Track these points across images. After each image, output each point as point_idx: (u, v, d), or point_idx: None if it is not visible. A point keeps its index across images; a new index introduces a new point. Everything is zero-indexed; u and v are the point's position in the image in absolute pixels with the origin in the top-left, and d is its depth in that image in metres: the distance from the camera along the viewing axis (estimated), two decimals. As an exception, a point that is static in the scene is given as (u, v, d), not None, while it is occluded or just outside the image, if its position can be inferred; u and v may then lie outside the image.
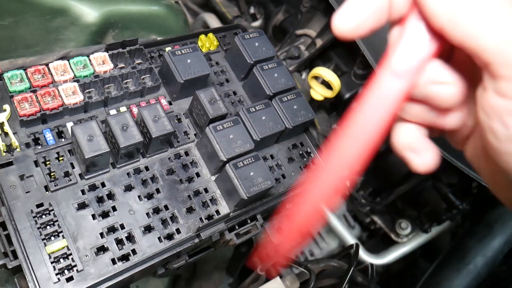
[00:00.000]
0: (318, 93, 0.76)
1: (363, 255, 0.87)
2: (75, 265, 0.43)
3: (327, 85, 0.76)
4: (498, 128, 0.25)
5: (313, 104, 0.85)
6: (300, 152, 0.59)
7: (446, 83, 0.28)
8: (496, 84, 0.25)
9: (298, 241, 0.32)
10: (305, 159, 0.59)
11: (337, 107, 0.89)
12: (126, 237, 0.46)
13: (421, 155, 0.30)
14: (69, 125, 0.49)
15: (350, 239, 0.88)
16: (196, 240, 0.49)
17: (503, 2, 0.24)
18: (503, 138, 0.25)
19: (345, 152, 0.29)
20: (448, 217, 0.79)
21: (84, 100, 0.49)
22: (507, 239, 0.83)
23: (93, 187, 0.47)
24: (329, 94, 0.75)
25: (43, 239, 0.43)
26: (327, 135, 0.88)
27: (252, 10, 1.00)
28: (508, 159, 0.26)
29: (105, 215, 0.46)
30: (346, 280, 0.57)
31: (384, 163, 0.80)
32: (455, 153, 0.62)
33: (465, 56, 0.27)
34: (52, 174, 0.46)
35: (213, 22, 1.01)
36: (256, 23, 0.99)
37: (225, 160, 0.49)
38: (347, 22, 0.27)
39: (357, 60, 0.83)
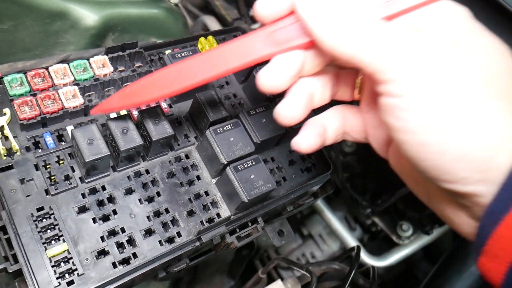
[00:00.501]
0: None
1: (365, 257, 0.87)
2: (76, 269, 0.43)
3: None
4: (393, 122, 0.30)
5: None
6: (301, 155, 0.59)
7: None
8: (383, 87, 0.30)
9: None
10: (306, 161, 0.59)
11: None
12: (126, 241, 0.46)
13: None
14: (69, 128, 0.49)
15: (352, 241, 0.88)
16: (197, 243, 0.48)
17: (374, 24, 0.30)
18: (399, 129, 0.30)
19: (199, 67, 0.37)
20: (450, 218, 0.79)
21: (84, 103, 0.49)
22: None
23: (93, 191, 0.47)
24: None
25: (43, 243, 0.43)
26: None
27: (251, 13, 1.00)
28: (408, 148, 0.30)
29: (105, 218, 0.46)
30: (348, 282, 0.57)
31: (385, 165, 0.79)
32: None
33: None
34: (52, 177, 0.46)
35: (213, 24, 1.01)
36: (256, 25, 0.99)
37: (226, 163, 0.49)
38: (269, 83, 0.34)
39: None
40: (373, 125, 0.38)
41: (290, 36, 0.33)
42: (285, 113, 0.36)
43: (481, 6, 0.69)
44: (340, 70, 0.39)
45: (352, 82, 0.39)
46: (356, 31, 0.30)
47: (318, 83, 0.37)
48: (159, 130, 0.48)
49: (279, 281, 0.67)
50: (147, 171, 0.50)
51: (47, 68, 0.49)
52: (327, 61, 0.36)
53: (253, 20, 1.00)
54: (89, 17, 0.62)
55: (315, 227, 1.01)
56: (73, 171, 0.47)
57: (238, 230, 0.53)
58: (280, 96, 0.56)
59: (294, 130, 0.55)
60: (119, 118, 0.46)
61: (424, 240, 0.90)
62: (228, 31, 0.64)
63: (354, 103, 0.41)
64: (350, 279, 0.57)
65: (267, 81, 0.34)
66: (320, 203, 0.91)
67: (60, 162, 0.47)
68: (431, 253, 1.23)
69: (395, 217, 0.85)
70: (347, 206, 0.97)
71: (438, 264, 0.81)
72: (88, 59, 0.52)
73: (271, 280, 0.71)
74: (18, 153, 0.46)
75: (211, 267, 0.78)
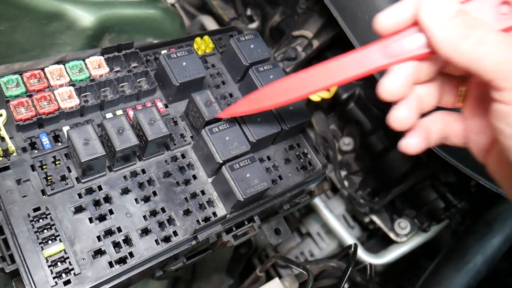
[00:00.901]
0: (316, 94, 0.76)
1: (363, 255, 0.87)
2: (73, 269, 0.43)
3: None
4: (505, 128, 0.33)
5: (311, 105, 0.85)
6: (297, 153, 0.59)
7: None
8: (499, 95, 0.32)
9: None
10: (301, 160, 0.59)
11: (335, 108, 0.90)
12: (123, 240, 0.46)
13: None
14: (66, 129, 0.49)
15: (349, 240, 0.88)
16: (193, 242, 0.49)
17: (495, 34, 0.32)
18: (511, 136, 0.32)
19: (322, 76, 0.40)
20: (447, 216, 0.79)
21: (80, 104, 0.49)
22: (506, 237, 0.83)
23: (89, 191, 0.47)
24: (326, 95, 0.76)
25: (40, 243, 0.43)
26: (325, 135, 0.88)
27: (249, 12, 1.00)
28: None
29: (102, 218, 0.46)
30: (345, 280, 0.58)
31: (382, 163, 0.80)
32: (452, 151, 0.62)
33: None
34: (48, 178, 0.46)
35: (210, 24, 1.01)
36: (253, 25, 0.99)
37: (221, 162, 0.50)
38: (390, 92, 0.37)
39: (354, 60, 0.83)
40: (475, 131, 0.40)
41: (407, 47, 0.36)
42: (400, 119, 0.38)
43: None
44: (446, 78, 0.41)
45: (455, 90, 0.41)
46: (479, 41, 0.32)
47: (428, 91, 0.39)
48: (155, 130, 0.48)
49: (276, 279, 0.67)
50: (143, 171, 0.50)
51: (43, 69, 0.50)
52: (438, 70, 0.39)
53: (250, 19, 1.01)
54: (85, 18, 0.63)
55: (313, 226, 1.01)
56: (70, 171, 0.47)
57: (234, 229, 0.53)
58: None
59: (289, 129, 0.55)
60: (115, 118, 0.47)
61: (422, 237, 0.90)
62: (224, 31, 0.65)
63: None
64: (346, 276, 0.58)
65: (388, 90, 0.37)
66: (318, 202, 0.91)
67: (57, 162, 0.47)
68: (431, 251, 1.23)
69: (392, 215, 0.85)
70: (345, 205, 0.97)
71: (436, 262, 0.81)
72: (84, 60, 0.52)
73: (269, 278, 0.71)
74: (14, 154, 0.46)
75: (209, 266, 0.78)
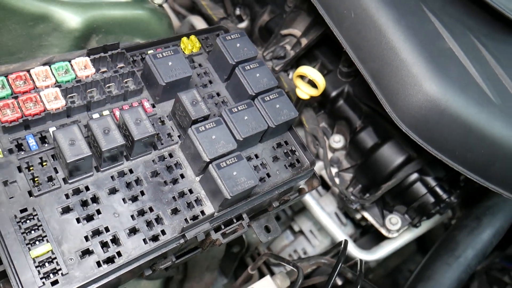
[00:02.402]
0: (304, 92, 0.77)
1: (355, 251, 0.87)
2: (60, 269, 0.43)
3: (313, 84, 0.76)
4: None
5: (300, 103, 0.85)
6: (285, 151, 0.59)
7: None
8: None
9: None
10: (289, 157, 0.59)
11: (324, 106, 0.90)
12: (111, 240, 0.46)
13: None
14: (52, 130, 0.49)
15: (342, 237, 0.88)
16: (182, 241, 0.49)
17: None
18: None
19: None
20: (437, 211, 0.79)
21: (66, 105, 0.50)
22: (496, 231, 0.83)
23: (77, 191, 0.47)
24: (315, 92, 0.76)
25: (27, 244, 0.43)
26: (315, 133, 0.88)
27: (238, 12, 1.01)
28: None
29: (89, 218, 0.47)
30: (334, 275, 0.58)
31: (371, 159, 0.80)
32: (440, 146, 0.63)
33: None
34: (35, 179, 0.46)
35: (200, 24, 1.01)
36: (242, 24, 1.00)
37: (208, 160, 0.50)
38: None
39: (342, 58, 0.84)
40: None
41: None
42: None
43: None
44: None
45: None
46: None
47: None
48: (141, 129, 0.48)
49: (268, 277, 0.67)
50: (131, 171, 0.51)
51: (28, 71, 0.50)
52: None
53: (239, 18, 1.01)
54: (72, 19, 0.63)
55: (305, 223, 1.02)
56: (56, 172, 0.47)
57: (223, 227, 0.54)
58: (264, 92, 0.57)
59: (276, 127, 0.56)
60: (101, 118, 0.47)
61: (413, 233, 0.90)
62: (211, 30, 0.65)
63: None
64: (336, 272, 0.58)
65: None
66: (309, 200, 0.91)
67: (43, 163, 0.47)
68: (425, 247, 1.24)
69: (383, 211, 0.86)
70: (336, 202, 0.97)
71: (427, 256, 0.81)
72: (70, 61, 0.52)
73: (263, 276, 0.71)
74: (0, 156, 0.46)
75: (201, 265, 0.78)
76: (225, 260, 0.92)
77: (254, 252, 0.97)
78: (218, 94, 0.60)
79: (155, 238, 0.48)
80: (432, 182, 0.78)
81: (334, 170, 0.89)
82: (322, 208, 0.91)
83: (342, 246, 0.63)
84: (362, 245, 0.92)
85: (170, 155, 0.53)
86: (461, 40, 0.65)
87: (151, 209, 0.49)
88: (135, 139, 0.47)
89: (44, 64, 0.52)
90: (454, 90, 0.60)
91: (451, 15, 0.69)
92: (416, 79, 0.61)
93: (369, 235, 1.04)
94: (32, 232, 0.44)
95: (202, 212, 0.51)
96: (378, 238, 0.95)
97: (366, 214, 0.87)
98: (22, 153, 0.47)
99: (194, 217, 0.51)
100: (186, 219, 0.50)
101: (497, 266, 1.09)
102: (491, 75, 0.65)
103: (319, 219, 0.91)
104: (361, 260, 0.66)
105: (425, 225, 0.93)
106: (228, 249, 0.86)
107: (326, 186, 1.00)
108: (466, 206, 0.94)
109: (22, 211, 0.44)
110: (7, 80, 0.48)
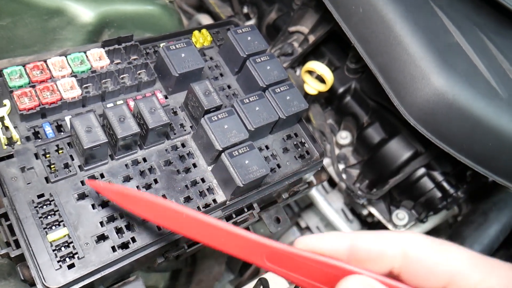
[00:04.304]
0: (312, 87, 0.78)
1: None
2: (76, 253, 0.44)
3: (321, 80, 0.77)
4: None
5: (308, 99, 0.86)
6: (295, 143, 0.60)
7: None
8: None
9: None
10: (299, 149, 0.60)
11: (332, 102, 0.91)
12: (125, 226, 0.47)
13: None
14: (68, 118, 0.50)
15: (349, 231, 0.89)
16: (194, 228, 0.50)
17: None
18: None
19: None
20: (444, 206, 0.80)
21: (82, 94, 0.51)
22: (503, 226, 0.84)
23: (92, 178, 0.48)
24: (323, 87, 0.77)
25: (44, 228, 0.44)
26: (322, 129, 0.89)
27: (245, 10, 1.02)
28: None
29: (104, 205, 0.48)
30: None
31: (379, 155, 0.81)
32: (448, 139, 0.64)
33: None
34: (52, 166, 0.47)
35: (208, 22, 1.02)
36: (250, 23, 1.01)
37: (221, 149, 0.51)
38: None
39: (350, 54, 0.84)
40: None
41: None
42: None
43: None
44: None
45: None
46: None
47: None
48: (155, 118, 0.49)
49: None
50: (144, 159, 0.51)
51: (45, 61, 0.51)
52: None
53: (247, 17, 1.02)
54: (86, 13, 0.64)
55: (312, 220, 1.02)
56: (72, 159, 0.48)
57: (234, 216, 0.54)
58: (274, 84, 0.58)
59: (286, 118, 0.56)
60: (116, 107, 0.48)
61: (421, 228, 0.91)
62: (221, 25, 0.66)
63: None
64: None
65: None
66: (316, 195, 0.92)
67: (60, 151, 0.48)
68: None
69: (390, 206, 0.86)
70: (343, 198, 0.98)
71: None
72: (85, 52, 0.53)
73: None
74: (18, 143, 0.47)
75: (209, 258, 0.79)
76: (232, 256, 0.93)
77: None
78: (229, 87, 0.61)
79: (168, 225, 0.49)
80: (439, 176, 0.78)
81: (341, 167, 0.90)
82: (329, 204, 0.92)
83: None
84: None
85: (183, 145, 0.54)
86: (468, 35, 0.66)
87: (164, 197, 0.50)
88: (150, 127, 0.48)
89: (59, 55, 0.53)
90: (461, 84, 0.61)
91: (459, 10, 0.70)
92: (424, 73, 0.61)
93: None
94: (49, 217, 0.45)
95: (214, 201, 0.52)
96: (384, 235, 0.95)
97: (373, 210, 0.88)
98: (39, 140, 0.48)
99: (206, 205, 0.51)
100: (198, 207, 0.51)
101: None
102: (498, 70, 0.66)
103: (326, 215, 0.92)
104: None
105: (432, 221, 0.93)
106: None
107: (332, 184, 1.01)
108: (473, 203, 0.95)
109: (39, 196, 0.45)
110: (25, 70, 0.49)
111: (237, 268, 0.98)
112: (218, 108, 0.53)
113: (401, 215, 0.85)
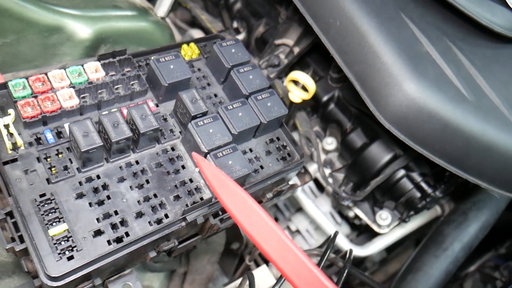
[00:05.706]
0: (296, 95, 0.83)
1: (348, 246, 0.92)
2: (75, 246, 0.48)
3: (305, 89, 0.82)
4: None
5: (293, 107, 0.91)
6: (277, 146, 0.65)
7: None
8: None
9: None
10: (281, 151, 0.65)
11: (317, 110, 0.96)
12: (120, 222, 0.52)
13: None
14: (67, 125, 0.55)
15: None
16: (183, 223, 0.54)
17: None
18: None
19: None
20: (424, 205, 0.84)
21: (79, 103, 0.56)
22: (482, 225, 0.88)
23: (89, 179, 0.53)
24: (306, 96, 0.82)
25: (46, 224, 0.49)
26: (308, 136, 0.94)
27: (235, 25, 1.07)
28: None
29: (100, 203, 0.52)
30: (324, 260, 0.63)
31: (361, 158, 0.85)
32: (421, 141, 0.68)
33: None
34: (52, 168, 0.52)
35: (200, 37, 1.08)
36: (240, 37, 1.06)
37: (206, 151, 0.56)
38: None
39: (332, 64, 0.90)
40: None
41: None
42: None
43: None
44: None
45: None
46: None
47: None
48: (146, 123, 0.54)
49: (264, 266, 0.72)
50: (137, 162, 0.56)
51: (46, 74, 0.56)
52: None
53: (237, 31, 1.08)
54: (83, 30, 0.69)
55: (302, 223, 1.06)
56: (71, 162, 0.53)
57: (220, 213, 0.59)
58: (257, 92, 0.63)
59: (268, 123, 0.61)
60: (111, 113, 0.53)
61: (405, 229, 0.95)
62: (209, 39, 0.71)
63: None
64: (326, 257, 0.63)
65: None
66: (305, 199, 0.96)
67: (60, 155, 0.53)
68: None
69: (374, 207, 0.91)
70: (331, 202, 1.02)
71: (417, 249, 0.86)
72: (82, 65, 0.58)
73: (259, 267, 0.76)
74: (22, 148, 0.52)
75: (202, 258, 0.83)
76: (226, 259, 0.97)
77: (253, 249, 1.02)
78: (215, 95, 0.66)
79: (159, 221, 0.54)
80: (417, 177, 0.83)
81: (328, 171, 0.94)
82: (318, 207, 0.96)
83: (333, 235, 0.68)
84: (357, 244, 0.97)
85: (172, 149, 0.59)
86: (437, 44, 0.71)
87: (155, 196, 0.55)
88: (141, 131, 0.53)
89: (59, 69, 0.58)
90: (431, 89, 0.66)
91: (428, 21, 0.75)
92: (396, 79, 0.66)
93: (363, 235, 1.08)
94: (50, 214, 0.50)
95: (201, 199, 0.57)
96: (371, 236, 0.99)
97: (358, 211, 0.92)
98: (41, 145, 0.53)
99: (194, 203, 0.56)
100: (186, 204, 0.55)
101: (490, 264, 1.13)
102: (465, 75, 0.71)
103: (315, 219, 0.96)
104: (351, 250, 0.71)
105: (416, 222, 0.97)
106: (227, 245, 0.90)
107: (321, 188, 1.05)
108: (455, 203, 0.99)
109: (41, 195, 0.50)
110: (28, 82, 0.54)
111: (230, 271, 1.02)
112: (204, 114, 0.58)
113: (384, 215, 0.89)
